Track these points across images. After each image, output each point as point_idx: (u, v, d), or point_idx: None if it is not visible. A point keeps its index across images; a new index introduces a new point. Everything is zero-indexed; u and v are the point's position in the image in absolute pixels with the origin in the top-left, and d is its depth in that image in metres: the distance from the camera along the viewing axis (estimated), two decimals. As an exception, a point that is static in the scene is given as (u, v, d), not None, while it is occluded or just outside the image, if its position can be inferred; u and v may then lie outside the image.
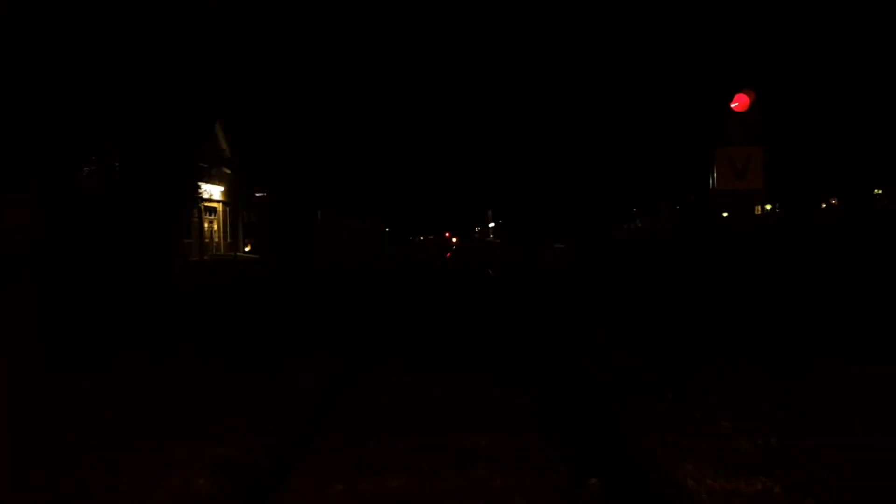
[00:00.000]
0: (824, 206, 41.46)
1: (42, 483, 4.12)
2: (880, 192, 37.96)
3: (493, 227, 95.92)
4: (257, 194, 39.47)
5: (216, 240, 35.95)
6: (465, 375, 6.82)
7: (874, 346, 7.01)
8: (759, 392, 5.70)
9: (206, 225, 34.02)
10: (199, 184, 29.54)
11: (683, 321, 9.97)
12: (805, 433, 4.61)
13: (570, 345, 8.43)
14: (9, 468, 4.31)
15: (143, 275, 15.15)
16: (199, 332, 10.24)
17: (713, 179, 9.98)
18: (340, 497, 3.88)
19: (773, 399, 5.46)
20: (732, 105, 9.99)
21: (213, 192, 34.20)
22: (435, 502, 3.73)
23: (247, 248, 38.92)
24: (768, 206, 41.23)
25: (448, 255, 44.99)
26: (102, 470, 4.33)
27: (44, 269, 10.33)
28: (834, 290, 12.03)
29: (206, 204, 33.37)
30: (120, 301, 12.36)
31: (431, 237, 59.59)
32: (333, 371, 7.11)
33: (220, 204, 36.20)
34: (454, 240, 61.61)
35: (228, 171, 36.06)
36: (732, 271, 12.62)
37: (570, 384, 6.43)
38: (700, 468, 4.10)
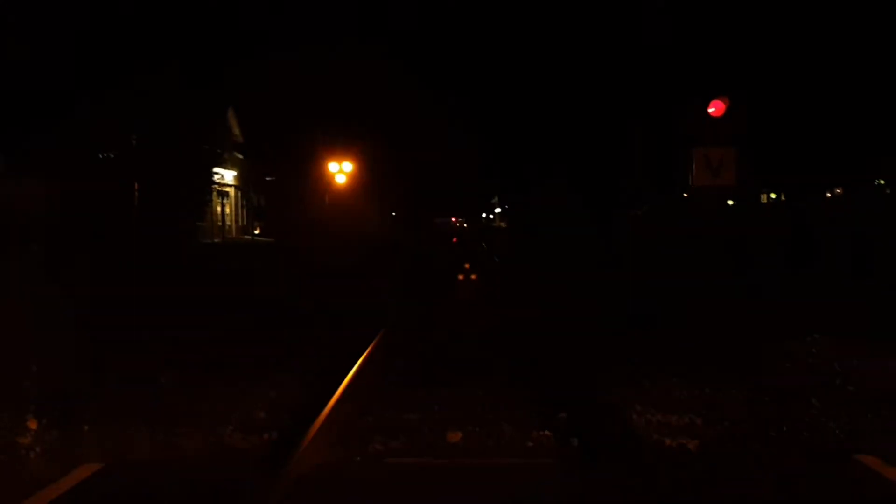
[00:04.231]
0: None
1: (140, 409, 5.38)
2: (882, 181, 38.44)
3: (498, 213, 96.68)
4: (267, 178, 40.62)
5: (228, 223, 37.23)
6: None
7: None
8: (708, 359, 6.89)
9: (217, 209, 35.28)
10: (214, 169, 30.66)
11: (669, 298, 11.06)
12: (733, 386, 5.85)
13: (558, 317, 9.65)
14: (110, 401, 5.56)
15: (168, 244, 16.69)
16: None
17: (691, 176, 11.17)
18: (367, 427, 5.11)
19: (718, 364, 6.67)
20: (709, 110, 11.16)
21: (226, 176, 35.41)
22: (443, 426, 4.99)
23: (256, 232, 40.10)
24: (773, 195, 41.94)
25: (454, 239, 46.20)
26: (185, 401, 5.60)
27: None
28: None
29: (219, 188, 34.58)
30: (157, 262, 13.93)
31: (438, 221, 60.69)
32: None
33: (233, 188, 37.43)
34: (464, 224, 62.66)
35: (241, 156, 37.25)
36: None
37: (555, 348, 7.64)
38: (645, 408, 5.35)
